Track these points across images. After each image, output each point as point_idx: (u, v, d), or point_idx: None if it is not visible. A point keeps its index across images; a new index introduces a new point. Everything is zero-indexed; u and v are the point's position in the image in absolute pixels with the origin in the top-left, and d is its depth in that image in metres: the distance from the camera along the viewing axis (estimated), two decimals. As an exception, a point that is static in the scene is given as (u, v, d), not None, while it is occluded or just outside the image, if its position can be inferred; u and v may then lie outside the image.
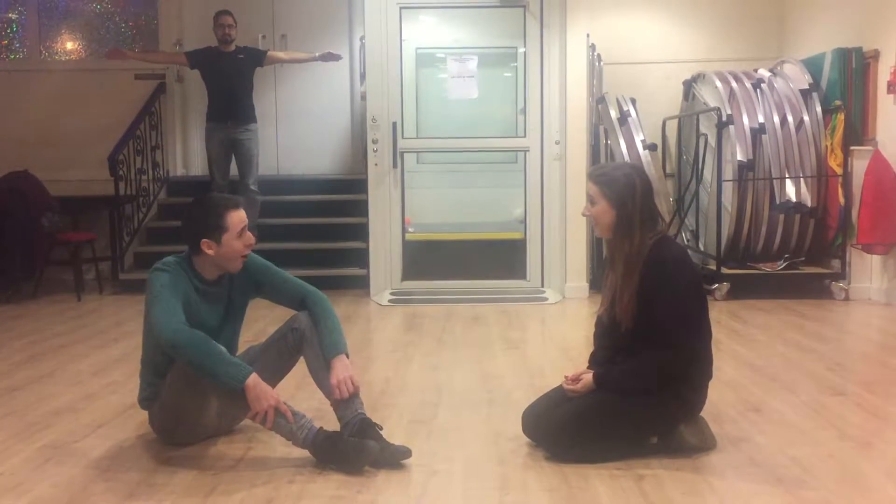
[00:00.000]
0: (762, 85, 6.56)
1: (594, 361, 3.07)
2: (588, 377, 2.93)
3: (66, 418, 3.52)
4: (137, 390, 3.20)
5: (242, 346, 3.32)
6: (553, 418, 2.94)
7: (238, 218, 3.03)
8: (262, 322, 4.61)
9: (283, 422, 2.84)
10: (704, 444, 2.97)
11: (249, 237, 3.07)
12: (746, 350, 4.66)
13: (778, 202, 6.24)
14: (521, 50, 7.04)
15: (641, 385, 2.86)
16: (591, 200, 2.95)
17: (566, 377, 3.00)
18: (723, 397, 3.57)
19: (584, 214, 3.02)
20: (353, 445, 2.82)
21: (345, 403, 2.95)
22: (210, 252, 3.01)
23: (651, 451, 2.92)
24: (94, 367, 4.46)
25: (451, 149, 7.41)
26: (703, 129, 6.73)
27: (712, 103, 6.54)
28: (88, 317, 6.04)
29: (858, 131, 6.17)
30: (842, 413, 3.46)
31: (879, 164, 5.85)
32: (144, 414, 3.20)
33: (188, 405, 2.99)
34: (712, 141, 6.48)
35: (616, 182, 2.90)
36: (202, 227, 3.01)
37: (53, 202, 6.99)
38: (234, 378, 2.79)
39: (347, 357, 3.02)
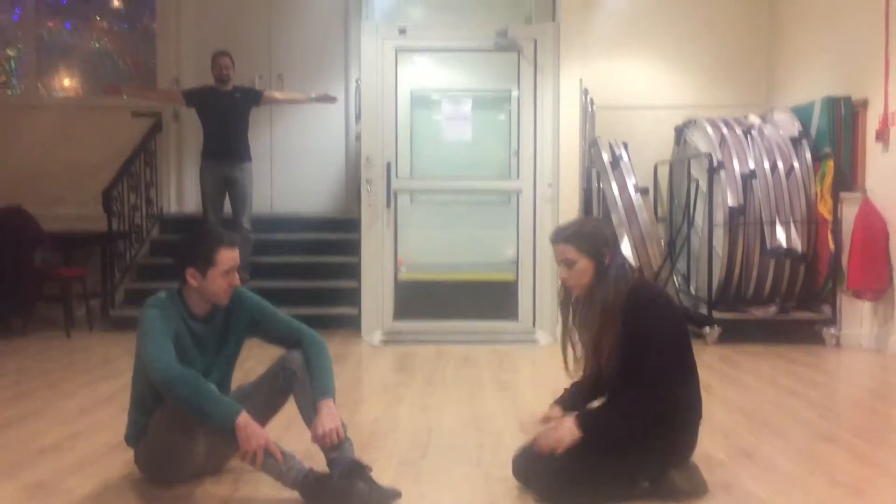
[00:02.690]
0: (752, 131, 6.63)
1: (562, 402, 3.05)
2: (564, 434, 2.82)
3: (51, 457, 3.48)
4: (125, 428, 3.17)
5: (232, 385, 3.30)
6: (544, 461, 2.92)
7: (229, 257, 3.03)
8: (251, 361, 4.57)
9: (272, 462, 2.81)
10: (695, 489, 2.95)
11: (235, 278, 3.06)
12: (737, 395, 4.65)
13: (769, 247, 6.27)
14: (515, 93, 7.11)
15: (626, 430, 2.82)
16: (569, 263, 2.92)
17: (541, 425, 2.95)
18: (714, 442, 3.56)
19: (562, 277, 2.96)
20: (342, 487, 2.80)
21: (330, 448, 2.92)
22: (193, 283, 3.01)
23: (642, 495, 2.90)
24: (82, 405, 4.43)
25: (445, 189, 7.45)
26: (694, 174, 6.79)
27: (703, 149, 6.60)
28: (77, 354, 6.00)
29: (848, 178, 6.24)
30: (833, 460, 3.45)
31: (868, 211, 5.90)
32: (131, 453, 3.16)
33: (175, 443, 2.96)
34: (703, 186, 6.54)
35: (588, 235, 2.91)
36: (191, 256, 3.02)
37: (45, 238, 6.98)
38: (225, 416, 2.77)
39: (334, 401, 2.98)
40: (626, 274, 2.93)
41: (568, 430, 2.82)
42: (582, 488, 2.84)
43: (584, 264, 2.90)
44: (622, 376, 2.86)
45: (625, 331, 2.84)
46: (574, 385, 3.11)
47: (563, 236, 2.95)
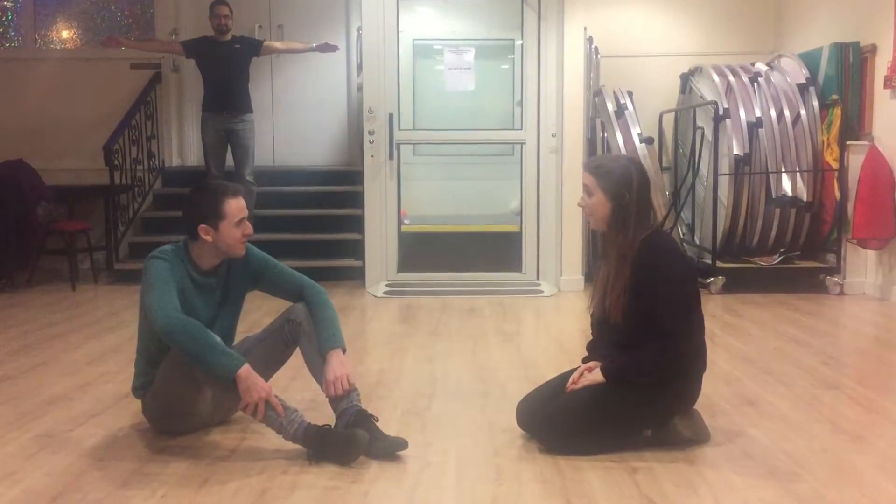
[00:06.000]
0: (759, 79, 6.56)
1: (594, 351, 3.06)
2: (592, 376, 2.91)
3: (59, 407, 3.52)
4: (132, 379, 3.19)
5: (238, 337, 3.31)
6: (547, 410, 2.94)
7: (237, 206, 3.02)
8: (257, 313, 4.60)
9: (273, 415, 2.83)
10: (698, 436, 2.97)
11: (248, 226, 3.06)
12: (741, 343, 4.67)
13: (774, 196, 6.25)
14: (519, 42, 7.02)
15: (648, 378, 2.85)
16: (588, 192, 2.95)
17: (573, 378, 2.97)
18: (717, 390, 3.58)
19: (579, 205, 3.02)
20: (343, 436, 2.82)
21: (340, 395, 2.95)
22: (208, 238, 3.01)
23: (645, 443, 2.93)
24: (88, 356, 4.46)
25: (448, 141, 7.40)
26: (699, 123, 6.73)
27: (709, 97, 6.53)
28: (83, 306, 6.03)
29: (855, 126, 6.18)
30: (835, 407, 3.47)
31: (875, 159, 5.85)
32: (138, 403, 3.19)
33: (182, 394, 2.99)
34: (709, 134, 6.48)
35: (613, 174, 2.90)
36: (201, 213, 3.01)
37: (48, 191, 6.98)
38: (226, 368, 2.79)
39: (344, 352, 3.01)
40: (646, 223, 2.91)
41: (593, 374, 2.90)
42: (585, 437, 2.87)
43: (600, 199, 2.91)
44: (626, 324, 2.86)
45: (634, 279, 2.84)
46: (589, 345, 3.12)
47: (590, 166, 2.99)
